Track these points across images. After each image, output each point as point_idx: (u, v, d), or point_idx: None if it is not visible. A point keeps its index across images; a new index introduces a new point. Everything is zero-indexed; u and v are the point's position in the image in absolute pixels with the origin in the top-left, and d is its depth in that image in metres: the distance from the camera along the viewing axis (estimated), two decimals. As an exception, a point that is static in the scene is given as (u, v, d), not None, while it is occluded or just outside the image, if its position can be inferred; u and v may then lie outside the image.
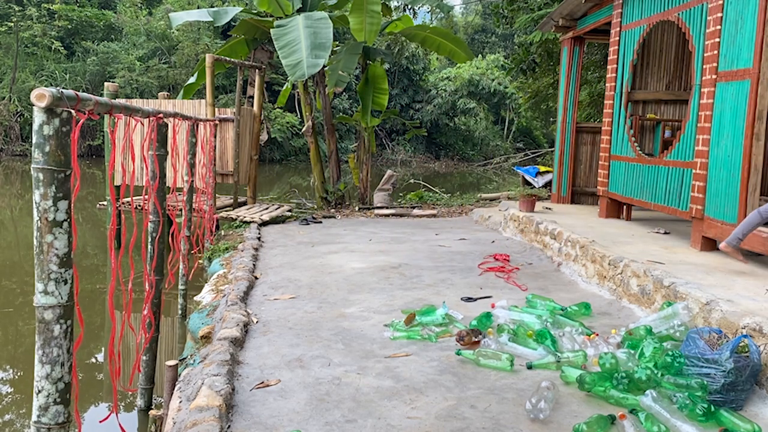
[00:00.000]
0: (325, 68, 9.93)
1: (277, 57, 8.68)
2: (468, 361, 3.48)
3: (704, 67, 5.23)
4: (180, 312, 6.12)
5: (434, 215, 9.80)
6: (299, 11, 10.04)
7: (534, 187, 9.59)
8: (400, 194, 13.93)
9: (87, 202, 14.55)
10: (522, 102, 18.67)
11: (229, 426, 2.69)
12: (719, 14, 5.03)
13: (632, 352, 3.35)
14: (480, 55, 34.27)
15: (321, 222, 8.88)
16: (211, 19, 10.26)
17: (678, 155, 5.65)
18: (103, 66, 26.02)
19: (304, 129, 10.63)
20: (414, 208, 10.52)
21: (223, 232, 8.26)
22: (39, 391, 2.36)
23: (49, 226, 2.31)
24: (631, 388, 2.99)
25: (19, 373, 5.31)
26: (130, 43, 28.01)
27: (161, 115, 3.84)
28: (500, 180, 23.29)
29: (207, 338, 3.95)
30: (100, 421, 3.76)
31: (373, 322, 4.16)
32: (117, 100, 3.10)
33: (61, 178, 2.31)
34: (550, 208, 7.81)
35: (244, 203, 9.87)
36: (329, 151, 10.73)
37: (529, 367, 3.37)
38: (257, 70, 9.94)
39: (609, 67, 7.18)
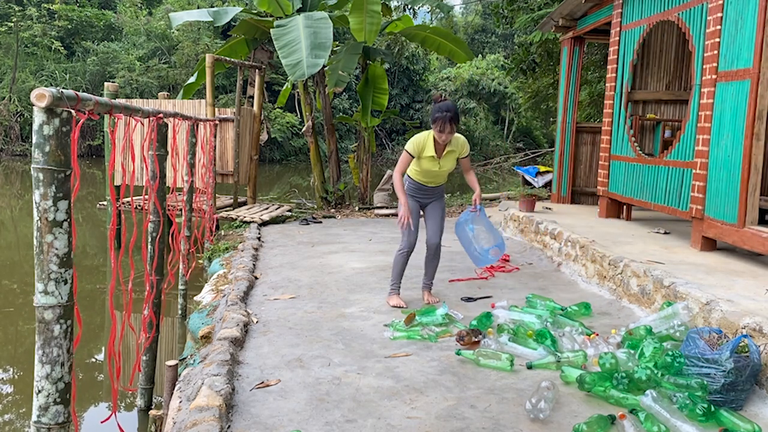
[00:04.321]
0: (325, 68, 9.93)
1: (277, 57, 8.68)
2: (468, 361, 3.48)
3: (704, 67, 5.23)
4: (180, 312, 6.12)
5: (434, 215, 9.77)
6: (299, 11, 10.04)
7: (534, 187, 9.58)
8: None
9: (87, 202, 14.55)
10: (522, 102, 18.69)
11: (229, 426, 2.69)
12: (719, 14, 5.02)
13: (632, 352, 3.35)
14: (480, 55, 34.23)
15: (321, 222, 8.88)
16: (211, 19, 10.26)
17: (678, 155, 5.65)
18: (103, 66, 26.02)
19: (304, 129, 10.63)
20: (414, 208, 10.49)
21: (223, 232, 8.26)
22: (39, 391, 2.36)
23: (49, 226, 2.31)
24: (631, 388, 2.99)
25: (19, 373, 5.31)
26: (130, 43, 28.02)
27: (161, 115, 3.84)
28: (500, 180, 23.27)
29: (207, 338, 3.95)
30: (102, 422, 3.76)
31: (373, 322, 4.16)
32: (117, 100, 3.10)
33: (61, 178, 2.30)
34: (550, 208, 7.81)
35: (244, 203, 9.87)
36: (329, 151, 10.72)
37: (529, 367, 3.37)
38: (257, 70, 9.94)
39: (609, 67, 7.18)
